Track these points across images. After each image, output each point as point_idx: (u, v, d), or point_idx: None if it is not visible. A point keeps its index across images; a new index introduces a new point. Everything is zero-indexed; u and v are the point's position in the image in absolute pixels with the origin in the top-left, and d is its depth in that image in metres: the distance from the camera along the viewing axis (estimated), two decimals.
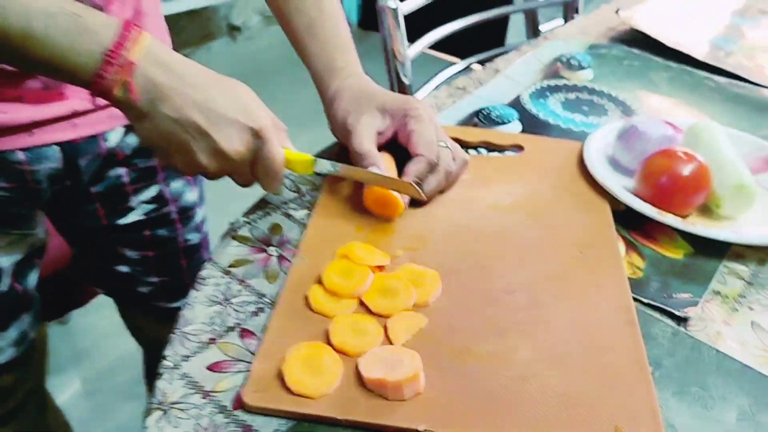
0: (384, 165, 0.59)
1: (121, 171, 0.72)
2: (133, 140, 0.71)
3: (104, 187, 0.72)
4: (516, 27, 2.55)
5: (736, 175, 0.62)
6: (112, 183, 0.72)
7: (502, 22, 2.60)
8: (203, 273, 0.53)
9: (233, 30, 2.87)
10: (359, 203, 0.60)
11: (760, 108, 0.83)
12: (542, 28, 1.33)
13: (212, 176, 0.53)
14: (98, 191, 0.72)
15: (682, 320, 0.52)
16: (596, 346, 0.48)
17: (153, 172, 0.75)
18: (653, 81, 0.90)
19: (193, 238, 0.83)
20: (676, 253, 0.59)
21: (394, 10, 0.88)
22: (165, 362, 0.46)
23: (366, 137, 0.60)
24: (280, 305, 0.50)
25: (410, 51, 0.95)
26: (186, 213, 0.80)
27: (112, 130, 0.68)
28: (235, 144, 0.51)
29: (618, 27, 1.07)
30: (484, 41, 1.46)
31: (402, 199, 0.58)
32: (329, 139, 0.68)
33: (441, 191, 0.62)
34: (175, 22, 2.29)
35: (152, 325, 0.89)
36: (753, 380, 0.46)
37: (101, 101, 0.51)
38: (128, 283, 0.82)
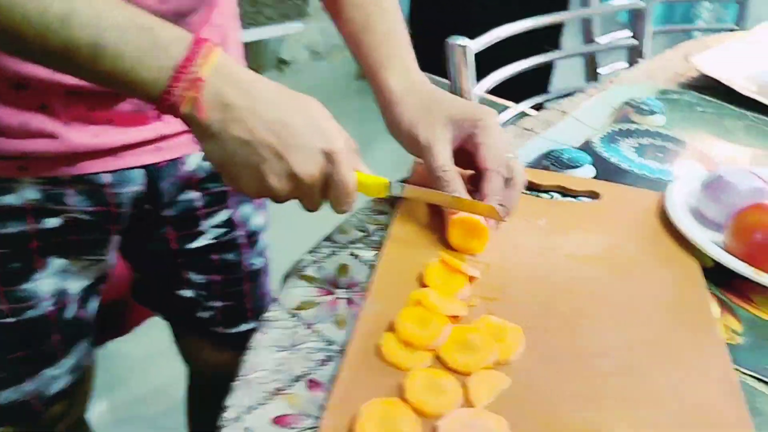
0: (464, 188, 0.56)
1: (194, 195, 0.71)
2: (208, 164, 0.70)
3: (177, 210, 0.71)
4: (562, 72, 2.52)
5: None
6: (184, 207, 0.71)
7: (547, 68, 2.58)
8: (269, 315, 0.50)
9: (281, 63, 2.90)
10: (430, 242, 0.57)
11: None
12: (601, 71, 1.30)
13: (281, 200, 0.51)
14: (170, 215, 0.71)
15: None
16: (700, 423, 0.43)
17: (224, 197, 0.74)
18: (729, 129, 0.86)
19: (257, 262, 0.81)
20: None
21: (464, 48, 0.86)
22: (226, 414, 0.42)
23: (446, 157, 0.57)
24: (349, 355, 0.46)
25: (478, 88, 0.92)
26: (253, 237, 0.79)
27: (192, 153, 0.68)
28: (309, 167, 0.48)
29: (686, 73, 1.03)
30: (528, 86, 1.42)
31: (487, 224, 0.56)
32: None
33: None
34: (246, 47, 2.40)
35: (207, 351, 0.87)
36: None
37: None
38: (190, 308, 0.81)
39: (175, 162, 0.67)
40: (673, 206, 0.64)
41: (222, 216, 0.75)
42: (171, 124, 0.63)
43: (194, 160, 0.69)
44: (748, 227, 0.58)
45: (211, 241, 0.76)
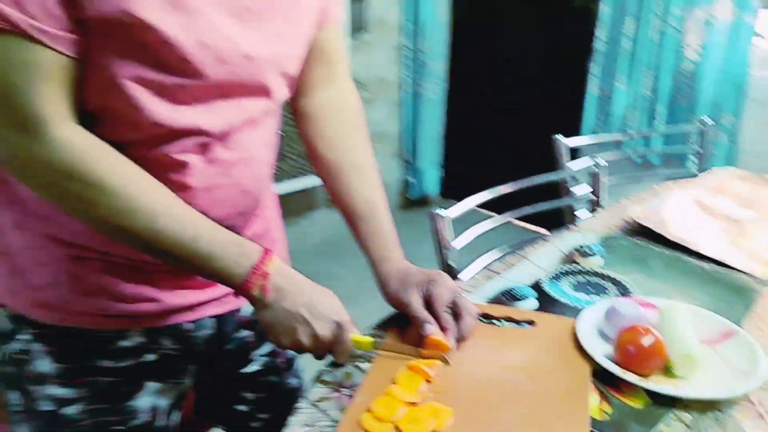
0: (433, 320, 0.86)
1: (246, 333, 1.01)
2: None
3: (234, 345, 1.01)
4: None
5: (685, 346, 0.84)
6: (239, 342, 1.01)
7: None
8: (299, 405, 0.80)
9: (331, 202, 3.33)
10: (401, 361, 0.87)
11: (733, 289, 1.05)
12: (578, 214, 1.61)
13: (304, 351, 0.81)
14: (230, 348, 1.01)
15: None
16: None
17: None
18: (651, 266, 1.14)
19: (294, 382, 1.09)
20: (638, 403, 0.80)
21: (443, 217, 1.19)
22: None
23: (420, 306, 0.88)
24: (342, 425, 0.75)
25: (456, 243, 1.24)
26: (290, 363, 1.08)
27: (245, 305, 0.98)
28: (325, 331, 0.79)
29: (630, 219, 1.33)
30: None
31: (449, 343, 0.85)
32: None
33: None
34: (288, 195, 2.96)
35: None
36: None
37: None
38: (245, 419, 1.08)
39: (236, 311, 0.96)
40: (581, 327, 0.92)
41: (267, 348, 1.03)
42: None
43: (247, 308, 0.97)
44: (624, 342, 0.86)
45: (259, 367, 1.04)
